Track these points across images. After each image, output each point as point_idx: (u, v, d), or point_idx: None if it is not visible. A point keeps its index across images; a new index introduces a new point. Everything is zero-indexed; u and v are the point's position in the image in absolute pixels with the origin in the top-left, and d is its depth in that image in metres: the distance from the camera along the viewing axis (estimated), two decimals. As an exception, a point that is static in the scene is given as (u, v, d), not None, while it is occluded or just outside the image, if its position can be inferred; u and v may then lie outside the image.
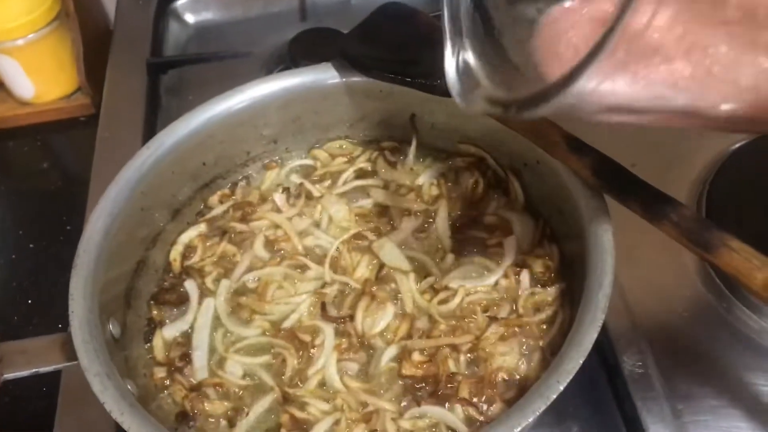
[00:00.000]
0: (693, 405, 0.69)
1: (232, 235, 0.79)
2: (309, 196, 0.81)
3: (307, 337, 0.69)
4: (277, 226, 0.79)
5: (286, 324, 0.72)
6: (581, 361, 0.54)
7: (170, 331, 0.72)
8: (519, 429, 0.52)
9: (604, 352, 0.73)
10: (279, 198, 0.81)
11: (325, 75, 0.80)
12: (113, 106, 1.08)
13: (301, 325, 0.71)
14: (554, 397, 0.52)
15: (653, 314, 0.75)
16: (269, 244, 0.78)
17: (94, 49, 1.16)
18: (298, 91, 0.80)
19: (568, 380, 0.53)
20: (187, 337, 0.72)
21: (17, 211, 1.05)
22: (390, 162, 0.83)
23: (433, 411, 0.63)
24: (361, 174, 0.83)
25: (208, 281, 0.76)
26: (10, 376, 0.60)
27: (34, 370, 0.61)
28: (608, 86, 0.37)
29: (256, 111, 0.79)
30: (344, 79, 0.79)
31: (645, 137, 0.85)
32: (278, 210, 0.80)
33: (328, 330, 0.70)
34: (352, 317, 0.70)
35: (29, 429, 0.81)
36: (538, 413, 0.52)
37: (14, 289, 0.96)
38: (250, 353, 0.70)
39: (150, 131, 1.02)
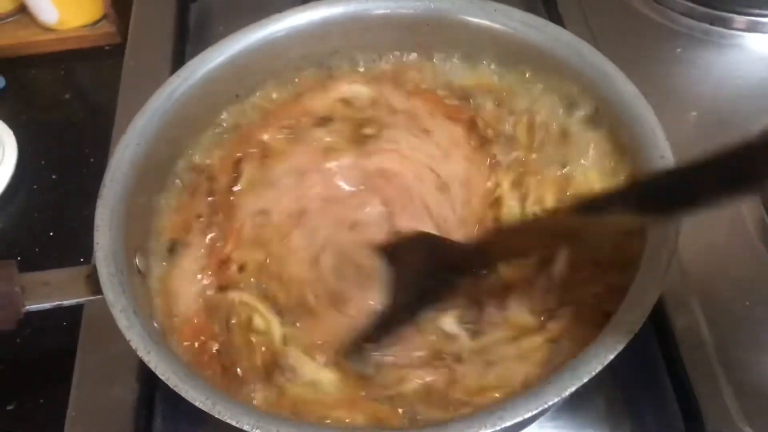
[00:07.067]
0: (746, 372, 0.65)
1: None
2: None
3: None
4: None
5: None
6: (642, 321, 0.50)
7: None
8: (572, 390, 0.48)
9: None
10: None
11: (368, 5, 0.74)
12: (141, 35, 1.03)
13: None
14: (612, 357, 0.49)
15: (706, 273, 0.71)
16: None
17: (121, -25, 1.11)
18: (340, 21, 0.75)
19: (627, 341, 0.49)
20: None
21: (39, 140, 1.01)
22: None
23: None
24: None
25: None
26: (32, 307, 0.57)
27: (56, 302, 0.58)
28: None
29: (294, 41, 0.74)
30: (389, 11, 0.74)
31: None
32: None
33: None
34: None
35: (50, 362, 0.79)
36: (593, 373, 0.49)
37: (36, 220, 0.93)
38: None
39: (178, 62, 0.97)
